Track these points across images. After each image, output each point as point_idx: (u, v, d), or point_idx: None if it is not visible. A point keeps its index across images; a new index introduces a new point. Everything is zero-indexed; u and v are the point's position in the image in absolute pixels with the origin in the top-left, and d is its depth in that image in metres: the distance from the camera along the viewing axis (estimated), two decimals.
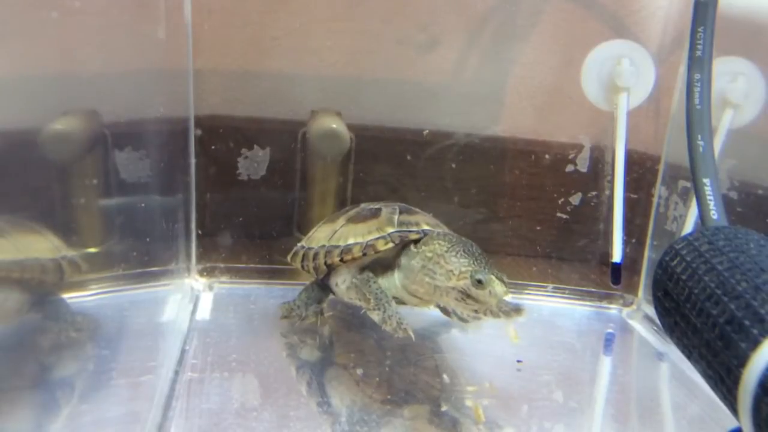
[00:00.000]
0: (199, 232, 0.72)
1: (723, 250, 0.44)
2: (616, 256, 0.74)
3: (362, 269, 0.58)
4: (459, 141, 0.76)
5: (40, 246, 0.54)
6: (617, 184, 0.73)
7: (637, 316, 0.75)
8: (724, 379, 0.39)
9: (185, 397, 0.52)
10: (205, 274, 0.73)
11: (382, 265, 0.58)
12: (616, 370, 0.67)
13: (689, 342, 0.43)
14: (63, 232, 0.57)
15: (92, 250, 0.63)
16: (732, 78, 0.66)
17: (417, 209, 0.62)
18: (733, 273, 0.41)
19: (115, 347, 0.58)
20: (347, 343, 0.64)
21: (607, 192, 0.77)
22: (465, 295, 0.52)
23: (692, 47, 0.57)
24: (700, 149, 0.54)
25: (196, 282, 0.72)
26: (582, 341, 0.71)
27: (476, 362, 0.61)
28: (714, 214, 0.51)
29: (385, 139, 0.76)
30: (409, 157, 0.76)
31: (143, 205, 0.65)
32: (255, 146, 0.73)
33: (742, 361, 0.37)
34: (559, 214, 0.79)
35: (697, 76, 0.56)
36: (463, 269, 0.51)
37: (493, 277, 0.51)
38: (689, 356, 0.44)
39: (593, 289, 0.77)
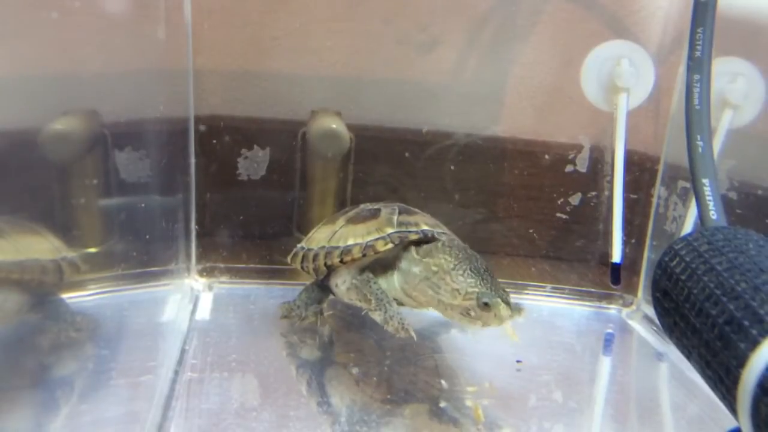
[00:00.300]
0: (199, 232, 0.72)
1: (722, 250, 0.44)
2: (616, 256, 0.74)
3: (362, 270, 0.58)
4: (459, 141, 0.76)
5: (39, 247, 0.54)
6: (617, 184, 0.73)
7: (636, 316, 0.75)
8: (723, 379, 0.39)
9: (185, 397, 0.52)
10: (204, 274, 0.73)
11: (382, 265, 0.58)
12: (616, 370, 0.67)
13: (688, 342, 0.43)
14: (63, 233, 0.57)
15: (92, 250, 0.63)
16: (731, 78, 0.66)
17: (416, 209, 0.62)
18: (733, 273, 0.41)
19: (115, 347, 0.58)
20: (347, 342, 0.64)
21: (606, 192, 0.77)
22: (468, 313, 0.51)
23: (692, 48, 0.57)
24: (700, 150, 0.54)
25: (195, 282, 0.72)
26: (581, 341, 0.71)
27: (476, 362, 0.61)
28: (713, 214, 0.51)
29: (385, 139, 0.76)
30: (408, 157, 0.76)
31: (143, 205, 0.65)
32: (255, 146, 0.73)
33: (741, 361, 0.37)
34: (558, 215, 0.79)
35: (696, 76, 0.56)
36: (470, 290, 0.51)
37: (500, 300, 0.50)
38: (688, 356, 0.44)
39: (593, 290, 0.77)
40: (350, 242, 0.58)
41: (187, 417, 0.50)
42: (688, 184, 0.70)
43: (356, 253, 0.56)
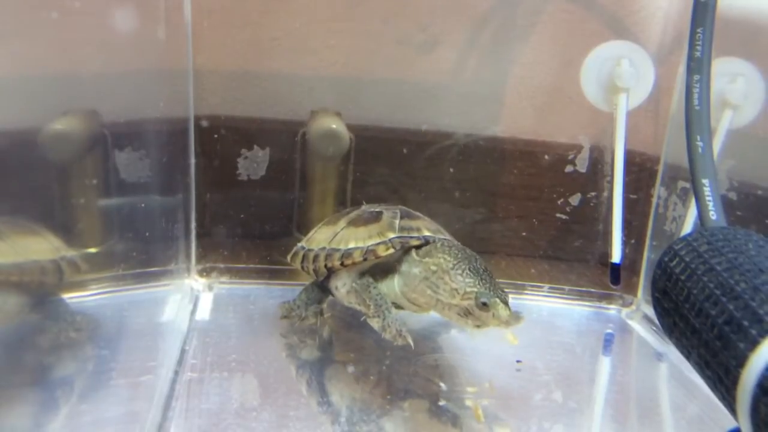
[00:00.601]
0: (199, 232, 0.72)
1: (722, 250, 0.44)
2: (616, 256, 0.74)
3: (362, 274, 0.58)
4: (459, 141, 0.76)
5: (39, 247, 0.53)
6: (616, 184, 0.73)
7: (636, 316, 0.75)
8: (722, 379, 0.39)
9: (185, 397, 0.52)
10: (204, 274, 0.73)
11: (382, 269, 0.58)
12: (616, 370, 0.67)
13: (688, 342, 0.43)
14: (62, 233, 0.57)
15: (92, 250, 0.63)
16: (731, 79, 0.66)
17: (418, 213, 0.62)
18: (732, 273, 0.41)
19: (115, 347, 0.58)
20: (347, 342, 0.64)
21: (606, 192, 0.77)
22: (467, 313, 0.52)
23: (691, 48, 0.57)
24: (700, 150, 0.54)
25: (195, 282, 0.72)
26: (581, 341, 0.71)
27: (476, 362, 0.61)
28: (713, 214, 0.51)
29: (385, 140, 0.76)
30: (408, 158, 0.76)
31: (143, 205, 0.65)
32: (255, 146, 0.73)
33: (741, 361, 0.37)
34: (558, 215, 0.79)
35: (696, 76, 0.56)
36: (468, 290, 0.51)
37: (498, 300, 0.50)
38: (688, 356, 0.44)
39: (592, 290, 0.77)
40: (351, 245, 0.58)
41: (187, 417, 0.50)
42: (687, 185, 0.70)
43: (357, 257, 0.56)
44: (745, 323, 0.38)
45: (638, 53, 0.73)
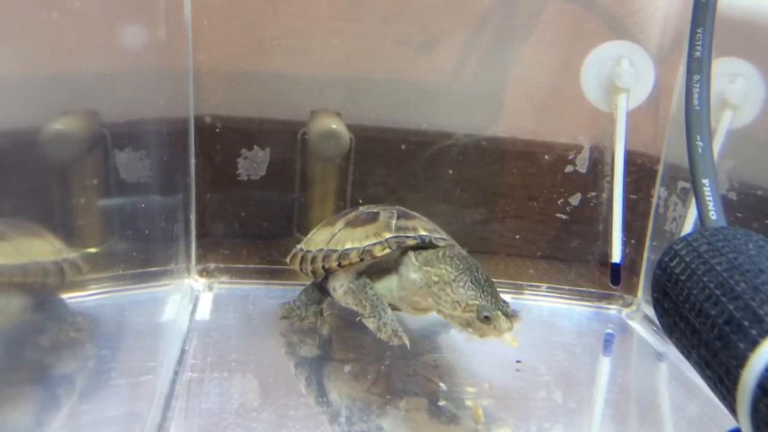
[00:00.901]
0: (199, 232, 0.72)
1: (722, 250, 0.44)
2: (616, 256, 0.74)
3: (360, 274, 0.58)
4: (459, 141, 0.76)
5: (41, 248, 0.53)
6: (617, 184, 0.73)
7: (636, 316, 0.75)
8: (722, 379, 0.39)
9: (185, 397, 0.52)
10: (204, 274, 0.73)
11: (380, 269, 0.58)
12: (616, 370, 0.67)
13: (688, 342, 0.43)
14: (63, 233, 0.57)
15: (92, 250, 0.63)
16: (731, 79, 0.66)
17: (415, 213, 0.62)
18: (732, 274, 0.41)
19: (115, 347, 0.58)
20: (346, 342, 0.64)
21: (606, 192, 0.77)
22: (468, 323, 0.52)
23: (691, 48, 0.57)
24: (700, 150, 0.54)
25: (195, 282, 0.72)
26: (581, 342, 0.71)
27: (475, 362, 0.61)
28: (713, 214, 0.51)
29: (385, 140, 0.76)
30: (408, 158, 0.76)
31: (143, 205, 0.65)
32: (255, 146, 0.73)
33: (741, 361, 0.37)
34: (558, 215, 0.79)
35: (696, 77, 0.56)
36: (470, 302, 0.51)
37: (500, 314, 0.50)
38: (688, 357, 0.44)
39: (592, 290, 0.77)
40: (348, 246, 0.58)
41: (186, 417, 0.50)
42: (687, 185, 0.70)
43: (354, 257, 0.56)
44: (746, 323, 0.38)
45: (638, 53, 0.73)
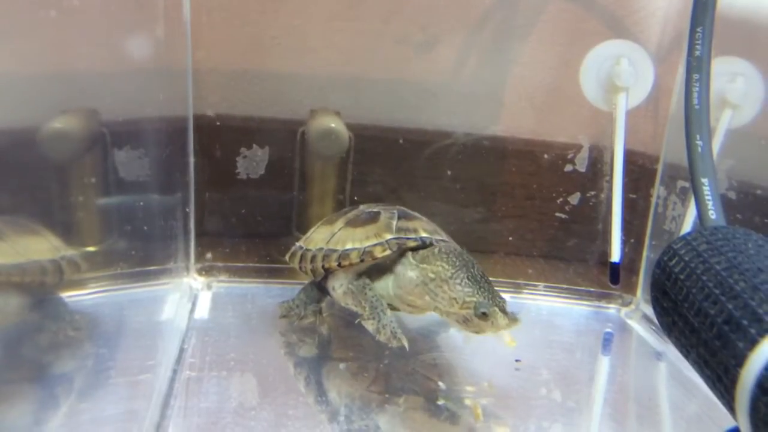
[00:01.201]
0: (198, 230, 0.72)
1: (721, 249, 0.44)
2: (615, 255, 0.74)
3: (359, 275, 0.58)
4: (458, 140, 0.76)
5: (39, 247, 0.53)
6: (616, 183, 0.73)
7: (635, 315, 0.75)
8: (721, 378, 0.39)
9: (183, 396, 0.52)
10: (203, 272, 0.73)
11: (378, 269, 0.58)
12: (615, 369, 0.67)
13: (687, 341, 0.43)
14: (62, 232, 0.57)
15: (91, 249, 0.63)
16: (731, 78, 0.66)
17: (416, 214, 0.62)
18: (731, 273, 0.41)
19: (114, 346, 0.58)
20: (346, 341, 0.64)
21: (605, 192, 0.77)
22: (465, 320, 0.52)
23: (691, 47, 0.57)
24: (699, 149, 0.54)
25: (194, 281, 0.72)
26: (580, 341, 0.71)
27: (474, 361, 0.61)
28: (712, 214, 0.51)
29: (384, 139, 0.76)
30: (408, 157, 0.76)
31: (142, 203, 0.65)
32: (254, 145, 0.73)
33: (740, 360, 0.37)
34: (557, 214, 0.79)
35: (695, 76, 0.56)
36: (468, 299, 0.51)
37: (497, 310, 0.50)
38: (687, 356, 0.44)
39: (592, 289, 0.77)
40: (348, 246, 0.58)
41: (185, 416, 0.50)
42: (687, 184, 0.70)
43: (354, 258, 0.56)
44: (744, 322, 0.38)
45: (638, 52, 0.73)
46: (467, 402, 0.54)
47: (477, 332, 0.52)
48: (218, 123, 0.72)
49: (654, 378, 0.66)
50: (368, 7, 0.73)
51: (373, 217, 0.60)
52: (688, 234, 0.48)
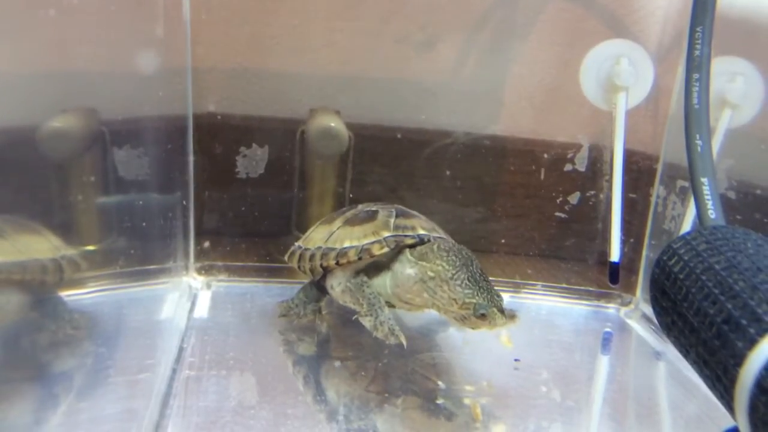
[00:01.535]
0: (197, 229, 0.72)
1: (720, 249, 0.44)
2: (614, 255, 0.74)
3: (357, 273, 0.58)
4: (458, 140, 0.76)
5: (39, 246, 0.53)
6: (615, 183, 0.73)
7: (634, 315, 0.75)
8: (721, 378, 0.39)
9: (183, 395, 0.52)
10: (203, 272, 0.73)
11: (376, 267, 0.58)
12: (614, 369, 0.67)
13: (686, 341, 0.43)
14: (61, 231, 0.57)
15: (90, 247, 0.63)
16: (730, 78, 0.66)
17: (414, 212, 0.62)
18: (731, 272, 0.41)
19: (113, 345, 0.58)
20: (345, 340, 0.64)
21: (605, 191, 0.77)
22: (463, 318, 0.52)
23: (691, 47, 0.57)
24: (699, 149, 0.54)
25: (194, 280, 0.72)
26: (580, 340, 0.71)
27: (473, 361, 0.61)
28: (712, 213, 0.51)
29: (384, 138, 0.76)
30: (407, 156, 0.76)
31: (141, 203, 0.65)
32: (253, 144, 0.73)
33: (739, 360, 0.37)
34: (557, 214, 0.79)
35: (695, 75, 0.56)
36: (467, 300, 0.51)
37: (496, 310, 0.51)
38: (686, 355, 0.44)
39: (591, 288, 0.77)
40: (346, 244, 0.58)
41: (184, 415, 0.50)
42: (686, 183, 0.70)
43: (352, 256, 0.56)
44: (744, 322, 0.38)
45: (637, 52, 0.73)
46: (466, 401, 0.54)
47: (473, 329, 0.52)
48: (218, 122, 0.72)
49: (653, 378, 0.66)
50: (368, 6, 0.73)
51: (371, 216, 0.60)
52: (688, 233, 0.48)
